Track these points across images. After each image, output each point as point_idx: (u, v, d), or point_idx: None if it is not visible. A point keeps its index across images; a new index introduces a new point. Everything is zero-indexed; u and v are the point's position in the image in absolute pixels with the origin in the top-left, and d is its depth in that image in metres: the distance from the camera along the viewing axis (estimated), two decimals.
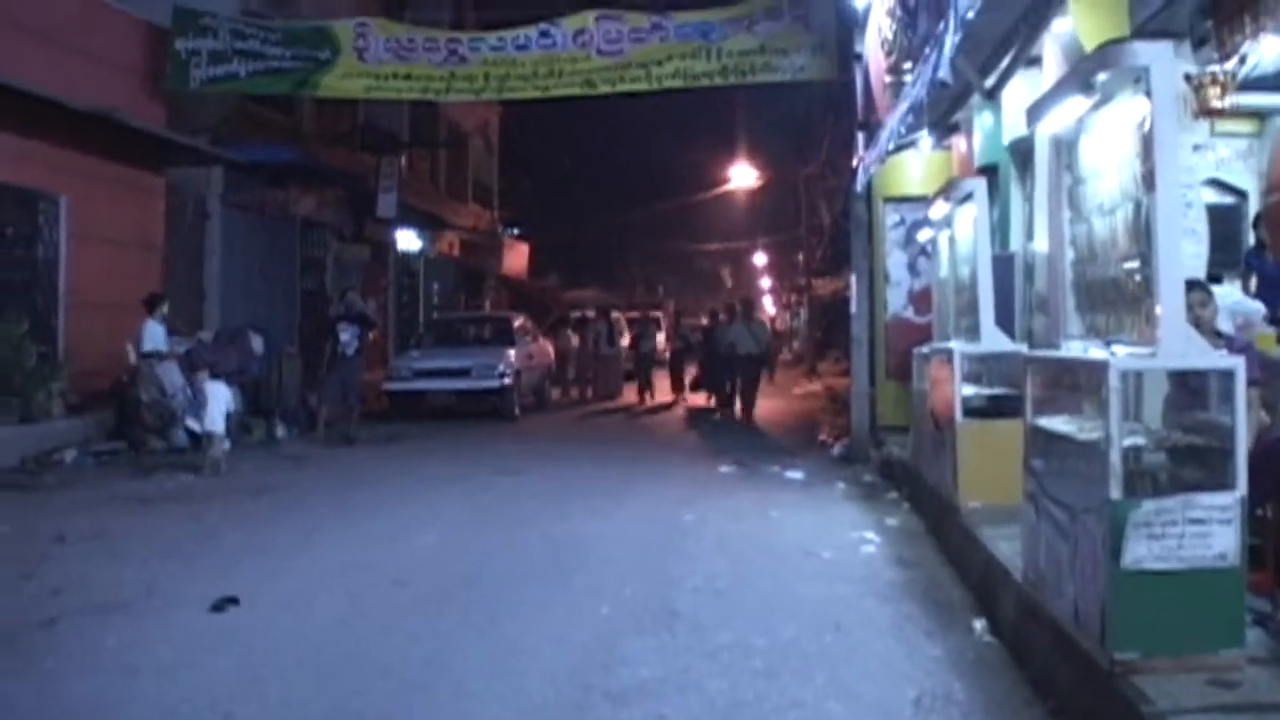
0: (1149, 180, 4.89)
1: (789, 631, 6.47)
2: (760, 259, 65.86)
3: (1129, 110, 5.17)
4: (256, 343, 17.07)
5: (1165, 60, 4.93)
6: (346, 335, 17.31)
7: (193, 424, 14.93)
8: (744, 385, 21.77)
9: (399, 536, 9.55)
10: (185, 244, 19.19)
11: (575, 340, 29.39)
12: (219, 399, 13.89)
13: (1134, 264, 5.11)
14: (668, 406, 25.16)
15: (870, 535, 9.55)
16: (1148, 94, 4.90)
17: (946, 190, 10.25)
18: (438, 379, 21.27)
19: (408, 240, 29.66)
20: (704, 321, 27.53)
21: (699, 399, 24.90)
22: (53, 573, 8.02)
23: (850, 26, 16.12)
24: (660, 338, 32.76)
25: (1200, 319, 6.26)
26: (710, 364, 24.19)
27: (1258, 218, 9.56)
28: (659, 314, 41.04)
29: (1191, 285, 6.04)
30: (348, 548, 9.11)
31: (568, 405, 25.98)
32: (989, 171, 12.78)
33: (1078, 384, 5.65)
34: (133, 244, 17.55)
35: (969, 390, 9.18)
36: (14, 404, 14.04)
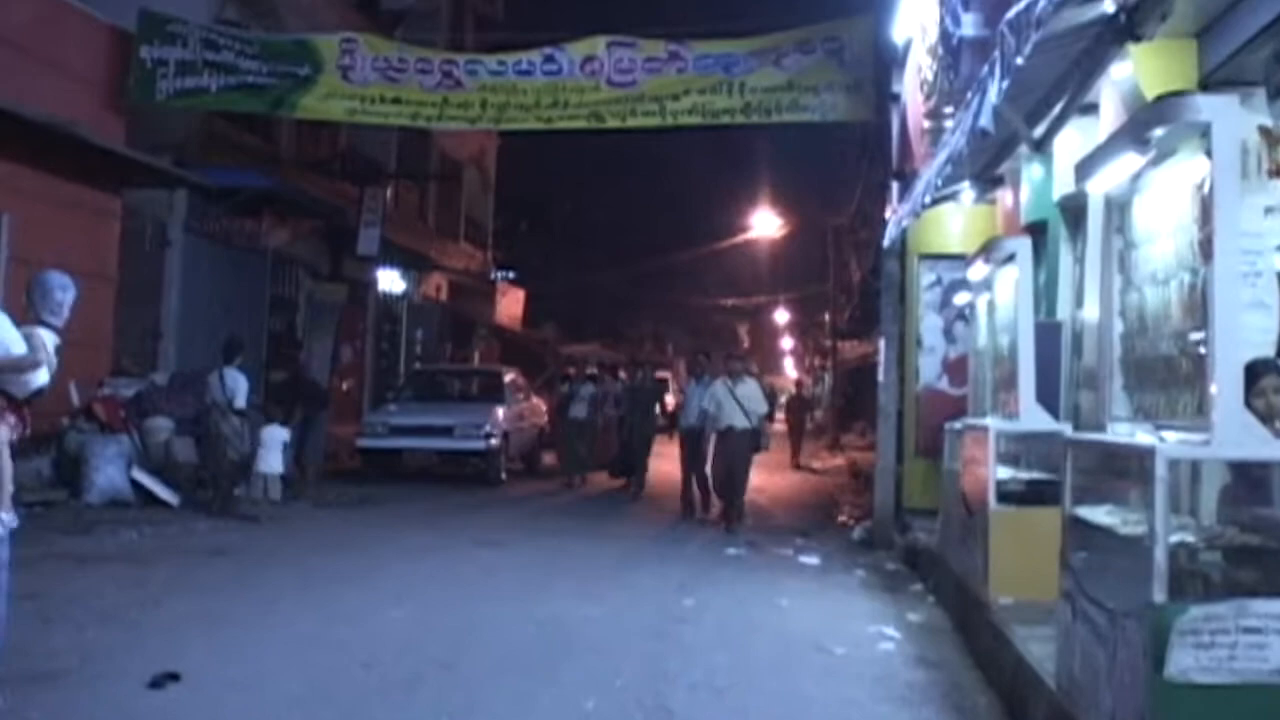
0: (1206, 248, 4.93)
1: None
2: (782, 316, 65.89)
3: (1188, 170, 5.22)
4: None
5: (1230, 115, 4.98)
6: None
7: (140, 476, 15.13)
8: (726, 473, 16.86)
9: (367, 611, 9.52)
10: (141, 274, 19.21)
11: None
12: (276, 442, 15.35)
13: (1198, 336, 5.12)
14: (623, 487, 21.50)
15: (889, 631, 9.52)
16: (1208, 153, 4.94)
17: (987, 249, 10.30)
18: (416, 437, 21.31)
19: (390, 281, 29.76)
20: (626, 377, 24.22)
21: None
22: None
23: (888, 64, 16.20)
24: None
25: (1274, 406, 6.20)
26: (628, 437, 21.50)
27: None
28: (667, 374, 40.94)
29: (1266, 368, 6.01)
30: (309, 621, 9.10)
31: (561, 472, 25.81)
32: (1037, 229, 12.79)
33: (1122, 471, 5.66)
34: (82, 271, 17.03)
35: (1005, 473, 9.20)
36: None
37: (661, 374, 39.12)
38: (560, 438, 23.99)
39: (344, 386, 27.74)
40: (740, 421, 16.62)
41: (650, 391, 22.16)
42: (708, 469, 17.56)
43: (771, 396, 45.41)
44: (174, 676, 7.01)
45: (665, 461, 19.73)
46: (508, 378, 24.95)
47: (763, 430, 17.38)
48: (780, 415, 40.75)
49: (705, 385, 17.57)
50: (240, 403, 15.42)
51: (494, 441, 21.28)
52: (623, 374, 25.76)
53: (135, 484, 15.30)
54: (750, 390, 17.12)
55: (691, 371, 18.53)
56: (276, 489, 15.13)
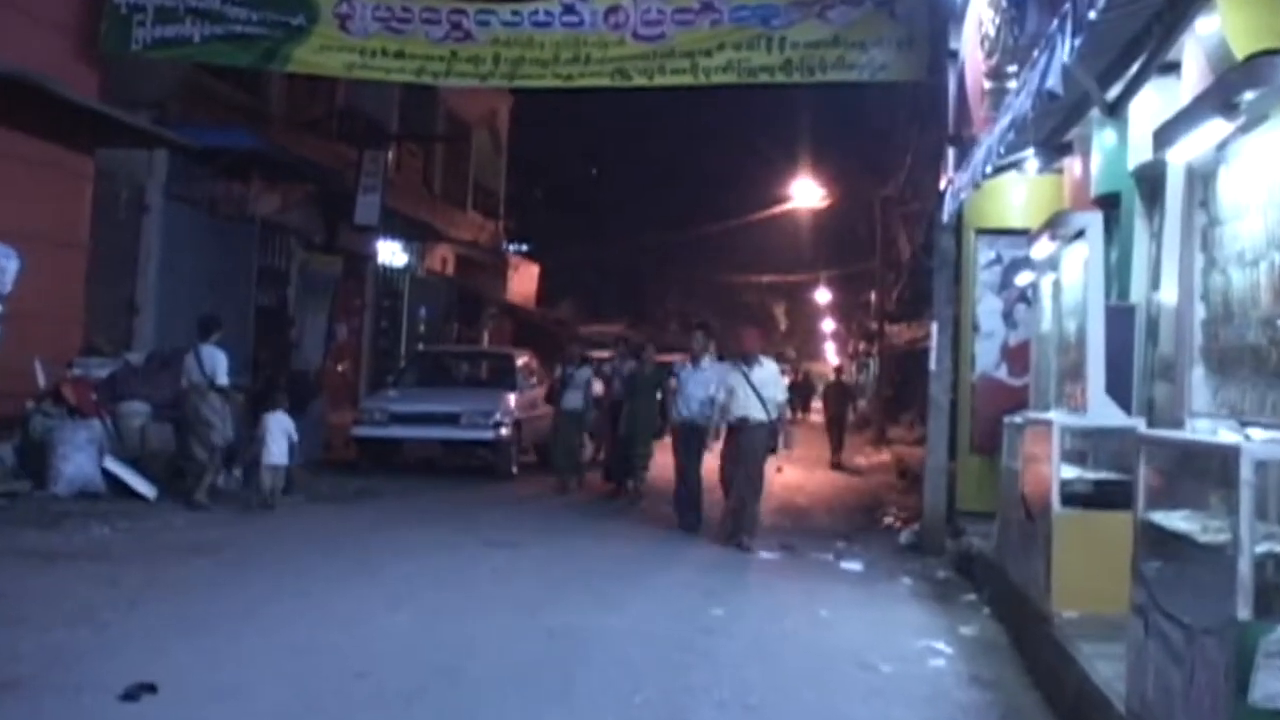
0: None
1: None
2: (823, 296, 65.78)
3: None
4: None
5: None
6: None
7: (113, 466, 15.15)
8: (742, 476, 14.79)
9: (363, 616, 9.55)
10: (116, 243, 19.18)
11: (600, 386, 27.56)
12: (281, 430, 15.56)
13: None
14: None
15: (940, 646, 9.50)
16: None
17: (1053, 224, 10.24)
18: (419, 426, 21.28)
19: (391, 253, 29.79)
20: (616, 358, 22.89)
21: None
22: None
23: (945, 18, 16.04)
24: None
25: None
26: (620, 431, 20.17)
27: None
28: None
29: None
30: (299, 627, 9.11)
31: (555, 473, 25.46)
32: (1109, 202, 12.73)
33: (1203, 473, 5.61)
34: (48, 239, 17.06)
35: (1070, 472, 9.15)
36: None
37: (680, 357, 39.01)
38: (552, 432, 22.08)
39: (339, 368, 27.80)
40: (756, 413, 14.75)
41: (651, 378, 20.47)
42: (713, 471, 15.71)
43: (807, 384, 45.32)
44: (150, 688, 7.00)
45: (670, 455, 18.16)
46: (520, 361, 24.93)
47: (782, 425, 15.67)
48: (817, 405, 40.60)
49: (702, 371, 16.12)
50: (222, 379, 15.32)
51: (504, 431, 21.27)
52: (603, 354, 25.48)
53: (107, 474, 15.28)
54: (767, 374, 15.21)
55: (691, 353, 16.81)
56: (281, 480, 15.21)
